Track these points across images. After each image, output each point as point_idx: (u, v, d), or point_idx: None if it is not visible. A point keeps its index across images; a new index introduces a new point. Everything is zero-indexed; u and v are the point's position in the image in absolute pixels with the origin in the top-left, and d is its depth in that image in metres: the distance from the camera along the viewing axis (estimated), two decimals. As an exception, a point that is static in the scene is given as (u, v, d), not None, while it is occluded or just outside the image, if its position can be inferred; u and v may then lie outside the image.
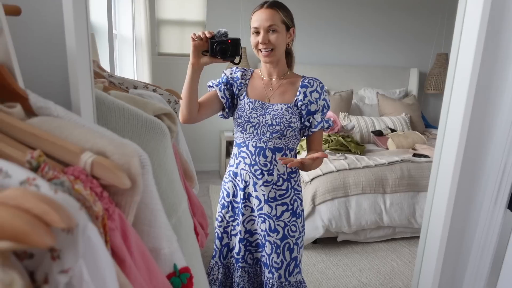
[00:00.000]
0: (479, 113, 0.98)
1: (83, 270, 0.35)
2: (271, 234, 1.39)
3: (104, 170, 0.47)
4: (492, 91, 0.96)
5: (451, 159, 0.99)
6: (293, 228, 1.41)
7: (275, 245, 1.39)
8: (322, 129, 1.37)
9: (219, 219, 1.49)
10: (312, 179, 2.65)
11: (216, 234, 1.51)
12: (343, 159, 2.86)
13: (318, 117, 1.35)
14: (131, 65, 2.99)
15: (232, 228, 1.48)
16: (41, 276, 0.34)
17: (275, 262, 1.40)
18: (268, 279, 1.43)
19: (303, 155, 2.96)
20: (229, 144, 4.01)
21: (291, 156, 1.40)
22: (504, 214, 0.99)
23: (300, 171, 1.45)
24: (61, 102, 0.59)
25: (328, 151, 3.03)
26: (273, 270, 1.41)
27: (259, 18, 1.28)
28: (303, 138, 1.44)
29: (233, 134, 3.80)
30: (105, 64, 1.87)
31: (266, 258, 1.42)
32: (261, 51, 1.30)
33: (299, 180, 1.45)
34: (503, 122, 0.95)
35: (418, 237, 2.38)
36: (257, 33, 1.29)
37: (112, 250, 0.47)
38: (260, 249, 1.45)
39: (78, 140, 0.50)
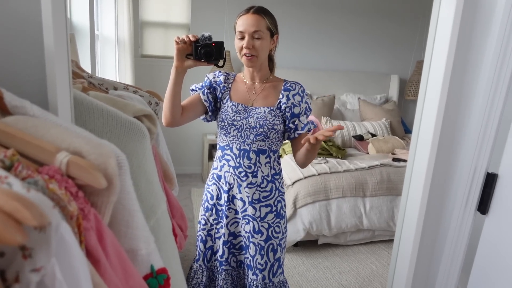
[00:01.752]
0: (450, 118, 1.01)
1: (55, 268, 0.35)
2: (255, 235, 1.40)
3: (80, 169, 0.47)
4: (463, 97, 1.00)
5: (423, 163, 1.03)
6: (277, 229, 1.43)
7: (259, 246, 1.41)
8: (309, 130, 1.39)
9: (203, 222, 1.49)
10: (293, 183, 2.67)
11: (200, 237, 1.50)
12: (324, 163, 2.90)
13: (304, 119, 1.37)
14: (114, 67, 2.95)
15: (216, 231, 1.48)
16: (12, 275, 0.34)
17: (259, 263, 1.41)
18: (252, 281, 1.43)
19: (285, 158, 2.99)
20: (212, 147, 4.00)
21: (274, 159, 1.42)
22: (474, 216, 1.02)
23: (283, 173, 1.47)
24: (38, 101, 0.59)
25: (310, 155, 3.07)
26: (257, 271, 1.42)
27: (245, 23, 1.28)
28: (285, 142, 1.46)
29: (216, 137, 3.80)
30: (86, 65, 1.84)
31: (250, 260, 1.43)
32: (245, 56, 1.31)
33: (283, 182, 1.47)
34: (474, 127, 0.99)
35: (396, 239, 2.42)
36: (242, 37, 1.30)
37: (87, 250, 0.47)
38: (244, 252, 1.45)
39: (54, 139, 0.50)
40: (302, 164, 1.39)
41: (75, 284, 0.38)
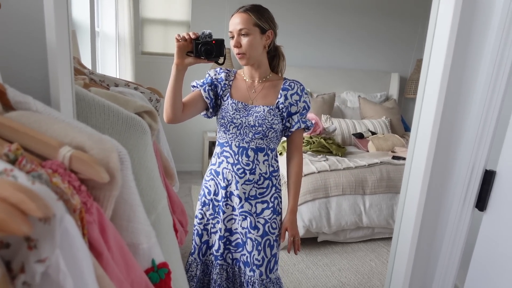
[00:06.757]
0: (449, 116, 1.02)
1: (60, 260, 0.36)
2: (252, 231, 1.42)
3: (82, 164, 0.48)
4: (462, 95, 1.00)
5: (422, 160, 1.04)
6: (274, 225, 1.45)
7: (256, 242, 1.42)
8: (300, 129, 1.41)
9: (200, 216, 1.50)
10: (293, 180, 2.67)
11: (196, 231, 1.52)
12: (324, 160, 2.90)
13: (295, 117, 1.39)
14: (114, 64, 2.96)
15: (212, 226, 1.49)
16: (17, 265, 0.35)
17: (256, 259, 1.42)
18: (250, 278, 1.44)
19: (285, 156, 2.99)
20: (212, 144, 4.01)
21: (272, 157, 1.44)
22: (472, 212, 1.03)
23: (281, 171, 1.49)
24: (40, 98, 0.59)
25: (309, 152, 3.08)
26: (254, 267, 1.43)
27: (233, 23, 1.32)
28: (284, 139, 1.48)
29: (216, 135, 3.80)
30: (87, 62, 1.85)
31: (247, 257, 1.44)
32: (236, 55, 1.34)
33: (280, 179, 1.48)
34: (472, 124, 0.99)
35: (395, 237, 2.43)
36: (232, 37, 1.33)
37: (90, 243, 0.48)
38: (240, 249, 1.46)
39: (57, 134, 0.51)
40: None
41: (78, 276, 0.39)
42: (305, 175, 2.68)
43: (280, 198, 1.48)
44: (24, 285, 0.35)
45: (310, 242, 2.78)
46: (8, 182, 0.31)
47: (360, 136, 3.60)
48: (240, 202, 1.42)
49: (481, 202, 0.99)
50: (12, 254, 0.35)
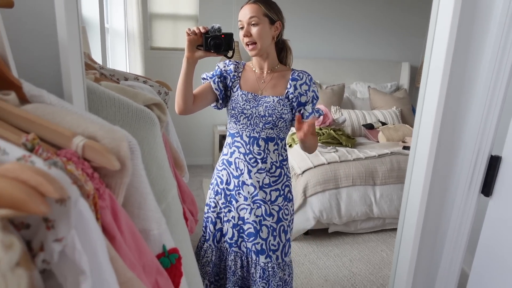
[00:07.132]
0: (453, 101, 1.02)
1: (75, 239, 0.39)
2: (267, 218, 1.47)
3: (95, 152, 0.51)
4: (466, 79, 1.00)
5: (426, 146, 1.04)
6: (286, 212, 1.50)
7: (272, 228, 1.47)
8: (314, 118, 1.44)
9: (213, 204, 1.55)
10: (303, 172, 2.69)
11: (210, 219, 1.57)
12: (334, 152, 2.91)
13: (309, 108, 1.43)
14: (124, 59, 3.00)
15: (224, 214, 1.54)
16: (37, 244, 0.38)
17: (272, 244, 1.48)
18: (266, 264, 1.49)
19: (295, 148, 3.01)
20: (222, 138, 4.04)
21: (282, 147, 1.48)
22: (477, 198, 1.04)
23: (293, 162, 1.52)
24: (53, 92, 0.62)
25: (319, 144, 3.08)
26: (270, 253, 1.48)
27: (243, 13, 1.35)
28: (293, 131, 1.50)
29: (226, 128, 3.83)
30: (97, 58, 1.88)
31: (261, 244, 1.48)
32: (246, 45, 1.36)
33: (289, 168, 1.53)
34: (476, 109, 0.99)
35: (406, 227, 2.43)
36: (242, 27, 1.36)
37: (103, 227, 0.50)
38: (252, 238, 1.50)
39: (70, 125, 0.54)
40: (307, 151, 1.48)
41: (93, 255, 0.42)
42: (315, 166, 2.69)
43: (291, 186, 1.53)
44: (44, 262, 0.38)
45: (321, 233, 2.80)
46: (27, 166, 0.34)
47: (370, 126, 3.58)
48: (255, 190, 1.46)
49: (487, 188, 0.99)
50: (32, 234, 0.38)
